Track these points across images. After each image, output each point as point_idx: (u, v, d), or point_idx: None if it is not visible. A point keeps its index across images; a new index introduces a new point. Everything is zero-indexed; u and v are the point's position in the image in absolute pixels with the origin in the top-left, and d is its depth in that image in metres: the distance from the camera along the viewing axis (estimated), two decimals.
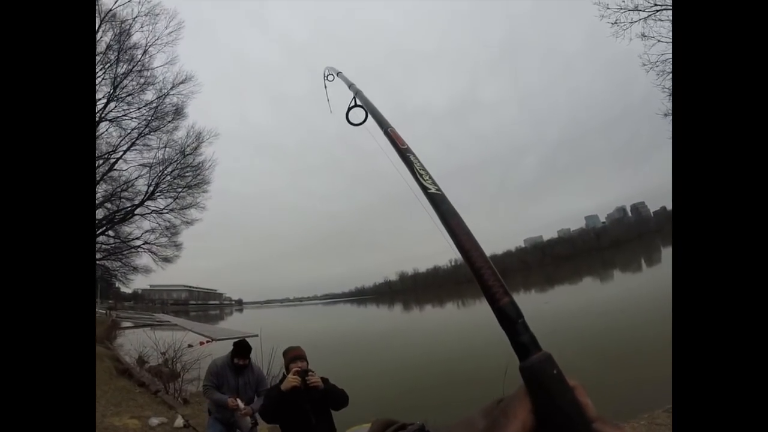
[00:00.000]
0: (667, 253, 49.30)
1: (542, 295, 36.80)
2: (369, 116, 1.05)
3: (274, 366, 8.51)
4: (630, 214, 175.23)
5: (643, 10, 7.33)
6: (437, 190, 0.56)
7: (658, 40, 7.31)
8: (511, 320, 0.39)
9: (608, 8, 7.74)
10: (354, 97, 1.12)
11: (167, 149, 13.69)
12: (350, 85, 1.19)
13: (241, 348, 3.56)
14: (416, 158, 0.64)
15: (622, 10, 7.60)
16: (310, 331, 29.69)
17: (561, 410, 0.33)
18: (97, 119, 11.26)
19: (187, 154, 14.18)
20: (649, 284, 23.47)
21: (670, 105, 7.29)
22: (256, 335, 10.79)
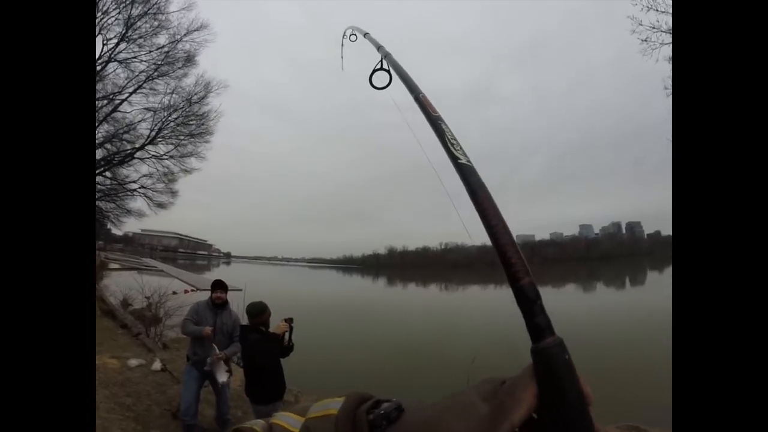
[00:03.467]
0: (652, 277, 49.74)
1: None
2: (393, 81, 1.05)
3: None
4: (624, 231, 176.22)
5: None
6: (467, 161, 0.54)
7: None
8: (529, 301, 0.39)
9: (641, 24, 7.55)
10: (381, 60, 1.08)
11: (174, 95, 13.51)
12: (378, 47, 1.13)
13: (220, 283, 3.85)
14: (447, 127, 0.62)
15: (654, 30, 7.45)
16: (296, 294, 30.21)
17: (566, 399, 0.33)
18: (106, 59, 11.02)
19: (194, 103, 14.01)
20: (629, 303, 24.03)
21: None
22: (240, 290, 11.02)
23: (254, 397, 3.19)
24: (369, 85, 1.10)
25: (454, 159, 0.55)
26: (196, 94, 13.90)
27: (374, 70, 1.09)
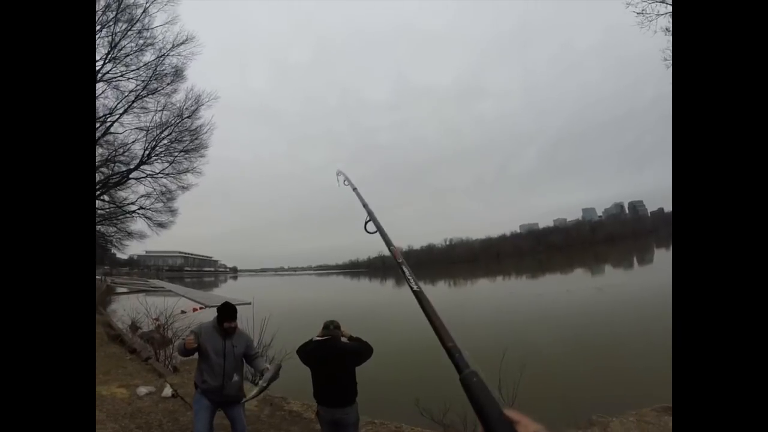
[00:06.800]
0: (659, 255, 49.20)
1: (533, 281, 37.33)
2: (378, 230, 1.43)
3: (266, 335, 8.54)
4: (627, 211, 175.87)
5: (670, 3, 7.01)
6: (418, 288, 0.83)
7: None
8: (452, 355, 0.65)
9: None
10: (367, 216, 1.46)
11: (165, 112, 13.35)
12: (365, 205, 1.53)
13: (229, 310, 3.44)
14: (407, 267, 0.94)
15: (649, 1, 7.29)
16: (303, 301, 30.10)
17: (484, 407, 0.53)
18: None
19: (186, 117, 13.84)
20: (638, 282, 23.73)
21: None
22: (249, 303, 10.79)
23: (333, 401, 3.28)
24: (364, 230, 1.47)
25: (411, 288, 0.85)
26: (187, 108, 13.75)
27: (366, 222, 1.46)
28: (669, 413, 4.41)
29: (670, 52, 7.09)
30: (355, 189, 1.73)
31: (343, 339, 3.35)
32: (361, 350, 3.28)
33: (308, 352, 3.31)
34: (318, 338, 3.32)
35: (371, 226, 1.46)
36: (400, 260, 0.98)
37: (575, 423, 4.44)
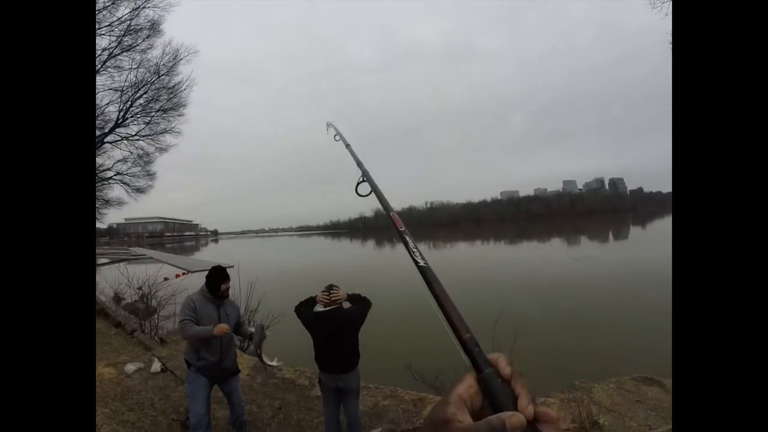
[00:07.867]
0: (635, 232, 50.64)
1: (511, 247, 38.47)
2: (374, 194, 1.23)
3: (253, 299, 8.46)
4: (607, 187, 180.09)
5: None
6: (425, 263, 0.67)
7: None
8: (470, 350, 0.51)
9: None
10: (362, 176, 1.28)
11: (140, 70, 12.47)
12: (359, 164, 1.35)
13: (222, 271, 3.32)
14: (410, 238, 0.76)
15: None
16: (287, 263, 30.17)
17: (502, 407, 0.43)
18: None
19: (162, 74, 12.98)
20: (613, 257, 24.68)
21: None
22: (232, 266, 10.59)
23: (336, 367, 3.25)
24: (355, 193, 1.29)
25: (415, 262, 0.68)
26: (164, 64, 12.86)
27: (358, 183, 1.27)
28: (647, 383, 4.71)
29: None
30: (348, 146, 1.53)
31: (345, 303, 3.23)
32: (360, 316, 3.20)
33: (309, 321, 3.21)
34: (320, 309, 3.19)
35: (363, 189, 1.27)
36: (402, 228, 0.80)
37: (559, 388, 4.66)
